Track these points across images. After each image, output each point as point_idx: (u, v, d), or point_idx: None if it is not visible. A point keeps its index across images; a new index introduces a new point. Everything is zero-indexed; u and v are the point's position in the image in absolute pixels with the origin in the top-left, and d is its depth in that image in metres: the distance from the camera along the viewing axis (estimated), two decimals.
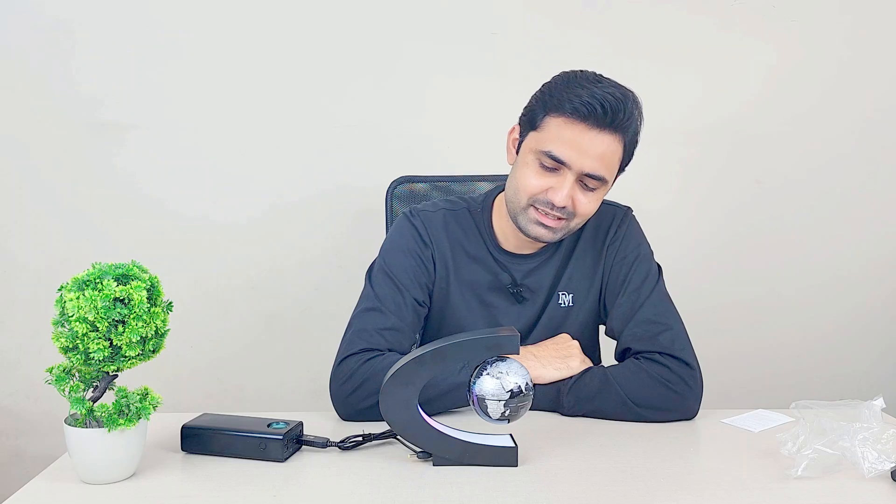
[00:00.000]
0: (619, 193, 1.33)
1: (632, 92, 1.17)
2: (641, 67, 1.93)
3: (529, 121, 1.20)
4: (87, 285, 0.87)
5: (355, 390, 1.14)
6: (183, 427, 1.01)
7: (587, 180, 1.17)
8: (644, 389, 1.15)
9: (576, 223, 1.22)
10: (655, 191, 1.97)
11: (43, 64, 1.89)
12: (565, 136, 1.14)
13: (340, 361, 1.17)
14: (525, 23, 1.93)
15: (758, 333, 2.05)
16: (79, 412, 0.89)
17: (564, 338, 1.26)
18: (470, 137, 1.93)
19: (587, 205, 1.19)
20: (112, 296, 0.86)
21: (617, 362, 1.24)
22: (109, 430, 0.88)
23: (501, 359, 0.96)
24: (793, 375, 2.05)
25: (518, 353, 0.96)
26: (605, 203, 1.32)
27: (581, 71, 1.19)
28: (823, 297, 2.05)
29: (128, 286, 0.87)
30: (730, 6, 1.95)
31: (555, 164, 1.16)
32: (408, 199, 1.61)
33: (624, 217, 1.32)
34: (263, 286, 2.00)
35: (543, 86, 1.20)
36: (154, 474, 0.95)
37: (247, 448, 0.98)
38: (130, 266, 0.90)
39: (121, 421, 0.89)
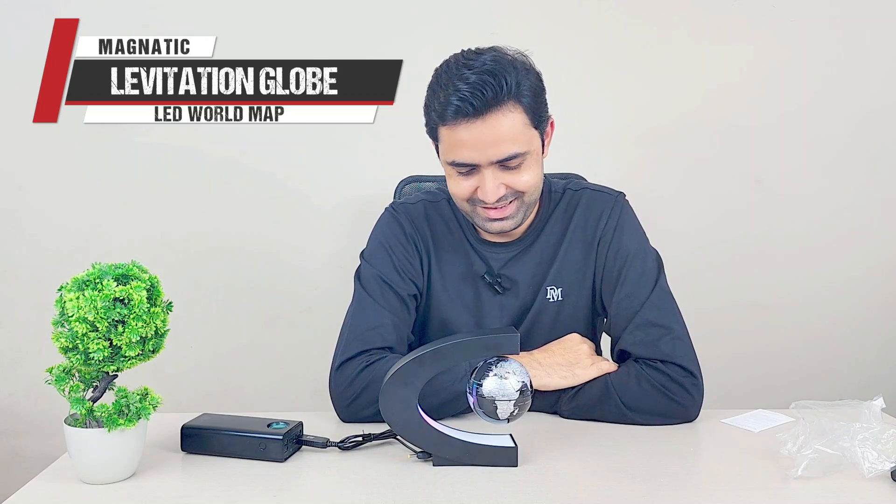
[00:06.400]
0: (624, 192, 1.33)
1: (505, 55, 1.12)
2: (639, 67, 1.94)
3: (431, 134, 1.20)
4: (87, 285, 0.87)
5: (356, 398, 1.13)
6: (183, 427, 1.01)
7: (506, 162, 1.13)
8: (644, 398, 1.13)
9: (529, 197, 1.18)
10: (655, 189, 1.96)
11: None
12: (458, 140, 1.12)
13: (339, 366, 1.16)
14: (525, 23, 1.93)
15: (758, 333, 2.05)
16: (79, 412, 0.89)
17: (573, 340, 1.20)
18: None
19: (525, 180, 1.15)
20: (112, 296, 0.86)
21: (615, 362, 1.22)
22: (109, 430, 0.88)
23: (501, 359, 0.96)
24: (793, 375, 2.05)
25: (518, 353, 0.96)
26: (595, 189, 1.30)
27: (447, 62, 1.16)
28: (823, 297, 2.04)
29: (127, 286, 0.87)
30: (727, 5, 1.95)
31: (467, 168, 1.15)
32: None
33: (615, 204, 1.26)
34: (263, 286, 1.99)
35: (426, 93, 1.18)
36: (154, 474, 0.95)
37: (247, 448, 0.98)
38: (130, 266, 0.90)
39: (121, 421, 0.89)
